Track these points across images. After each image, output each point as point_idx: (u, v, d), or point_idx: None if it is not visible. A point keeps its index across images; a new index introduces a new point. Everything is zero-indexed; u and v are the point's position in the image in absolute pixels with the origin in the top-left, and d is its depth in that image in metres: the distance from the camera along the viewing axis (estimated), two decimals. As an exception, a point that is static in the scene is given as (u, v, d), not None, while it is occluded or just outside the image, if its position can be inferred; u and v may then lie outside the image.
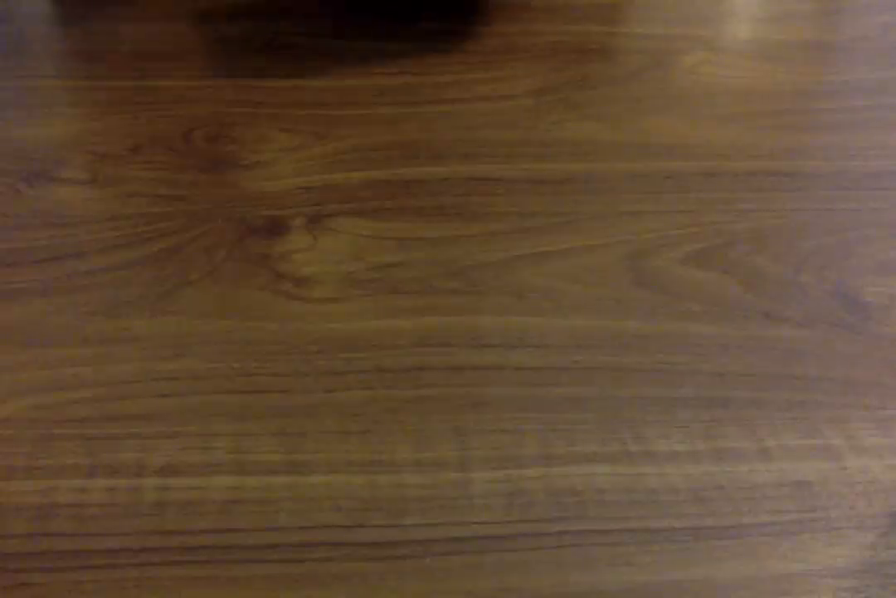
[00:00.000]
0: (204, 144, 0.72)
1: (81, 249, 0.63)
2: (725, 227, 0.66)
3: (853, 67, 0.82)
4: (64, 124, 0.74)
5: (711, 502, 0.51)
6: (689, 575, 0.48)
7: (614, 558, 0.48)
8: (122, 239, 0.64)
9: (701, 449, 0.53)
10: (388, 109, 0.75)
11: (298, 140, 0.72)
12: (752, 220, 0.67)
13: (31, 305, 0.60)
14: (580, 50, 0.82)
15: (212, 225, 0.65)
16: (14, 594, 0.46)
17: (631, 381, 0.56)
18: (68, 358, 0.57)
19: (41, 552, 0.48)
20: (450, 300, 0.61)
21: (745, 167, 0.71)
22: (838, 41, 0.87)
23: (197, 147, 0.71)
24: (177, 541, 0.48)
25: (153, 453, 0.52)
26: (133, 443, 0.53)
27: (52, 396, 0.55)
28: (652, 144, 0.73)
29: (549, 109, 0.76)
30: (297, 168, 0.70)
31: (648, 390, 0.56)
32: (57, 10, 0.86)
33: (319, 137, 0.73)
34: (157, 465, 0.52)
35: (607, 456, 0.53)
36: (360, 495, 0.51)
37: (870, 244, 0.65)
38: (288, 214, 0.66)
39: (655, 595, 0.47)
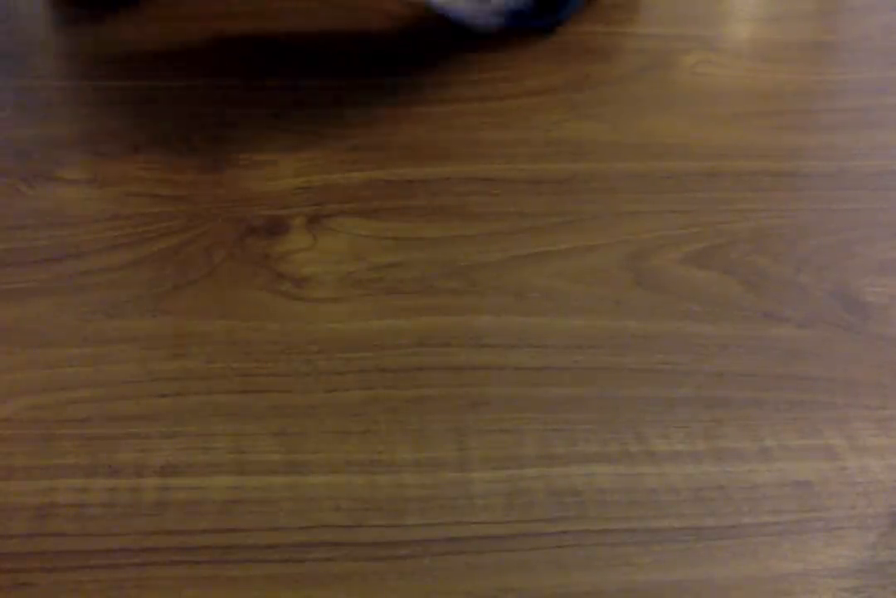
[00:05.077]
0: (204, 144, 0.72)
1: (81, 249, 0.63)
2: (726, 227, 0.66)
3: (853, 67, 0.82)
4: (64, 124, 0.74)
5: (712, 502, 0.51)
6: (689, 575, 0.48)
7: (615, 558, 0.48)
8: (122, 239, 0.64)
9: (701, 449, 0.53)
10: (388, 109, 0.75)
11: (298, 140, 0.72)
12: (752, 220, 0.67)
13: (31, 305, 0.60)
14: (580, 50, 0.82)
15: (212, 225, 0.65)
16: (14, 594, 0.46)
17: (631, 381, 0.56)
18: (68, 358, 0.57)
19: (41, 552, 0.48)
20: (450, 300, 0.61)
21: (745, 167, 0.71)
22: (838, 41, 0.87)
23: (197, 147, 0.71)
24: (177, 541, 0.48)
25: (153, 453, 0.52)
26: (133, 443, 0.53)
27: (52, 396, 0.55)
28: (652, 144, 0.73)
29: (549, 109, 0.76)
30: (297, 168, 0.70)
31: (648, 390, 0.56)
32: (56, 11, 0.86)
33: (319, 137, 0.73)
34: (157, 465, 0.52)
35: (608, 456, 0.53)
36: (360, 495, 0.51)
37: (870, 244, 0.65)
38: (288, 214, 0.66)
39: (655, 595, 0.47)
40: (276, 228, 0.65)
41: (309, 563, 0.48)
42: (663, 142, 0.73)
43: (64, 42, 0.84)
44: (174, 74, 0.78)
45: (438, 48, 0.82)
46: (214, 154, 0.71)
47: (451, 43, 0.82)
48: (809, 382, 0.57)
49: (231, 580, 0.47)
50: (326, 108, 0.76)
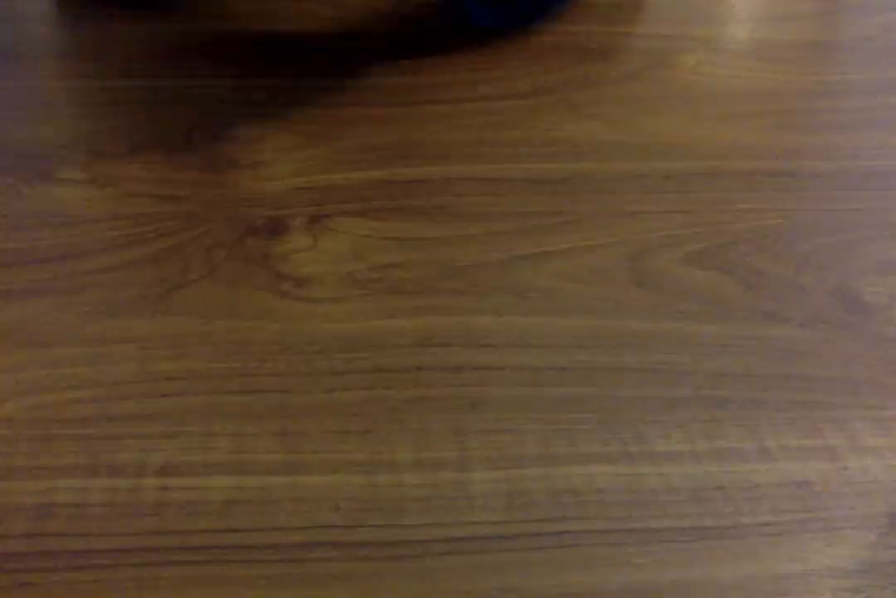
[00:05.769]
0: (204, 144, 0.72)
1: (81, 249, 0.63)
2: (726, 227, 0.66)
3: (853, 67, 0.82)
4: (64, 124, 0.74)
5: (711, 502, 0.51)
6: (689, 575, 0.48)
7: (614, 558, 0.48)
8: (122, 239, 0.64)
9: (701, 449, 0.53)
10: (388, 109, 0.75)
11: (298, 140, 0.72)
12: (752, 220, 0.67)
13: (31, 305, 0.60)
14: (580, 50, 0.82)
15: (212, 225, 0.65)
16: (14, 594, 0.46)
17: (631, 381, 0.56)
18: (68, 358, 0.57)
19: (41, 552, 0.48)
20: (450, 300, 0.61)
21: (745, 167, 0.71)
22: (838, 41, 0.87)
23: (197, 147, 0.71)
24: (177, 541, 0.48)
25: (153, 453, 0.52)
26: (133, 443, 0.53)
27: (52, 396, 0.55)
28: (652, 144, 0.73)
29: (549, 109, 0.76)
30: (297, 168, 0.70)
31: (648, 390, 0.56)
32: (57, 10, 0.86)
33: (319, 137, 0.73)
34: (157, 465, 0.52)
35: (607, 456, 0.53)
36: (360, 496, 0.51)
37: (870, 244, 0.65)
38: (288, 214, 0.66)
39: (655, 595, 0.47)
40: (276, 228, 0.65)
41: (309, 563, 0.48)
42: (663, 142, 0.73)
43: (65, 41, 0.84)
44: (174, 74, 0.78)
45: (438, 48, 0.82)
46: (214, 154, 0.71)
47: (452, 43, 0.82)
48: (809, 382, 0.57)
49: (231, 580, 0.47)
50: (326, 108, 0.76)
